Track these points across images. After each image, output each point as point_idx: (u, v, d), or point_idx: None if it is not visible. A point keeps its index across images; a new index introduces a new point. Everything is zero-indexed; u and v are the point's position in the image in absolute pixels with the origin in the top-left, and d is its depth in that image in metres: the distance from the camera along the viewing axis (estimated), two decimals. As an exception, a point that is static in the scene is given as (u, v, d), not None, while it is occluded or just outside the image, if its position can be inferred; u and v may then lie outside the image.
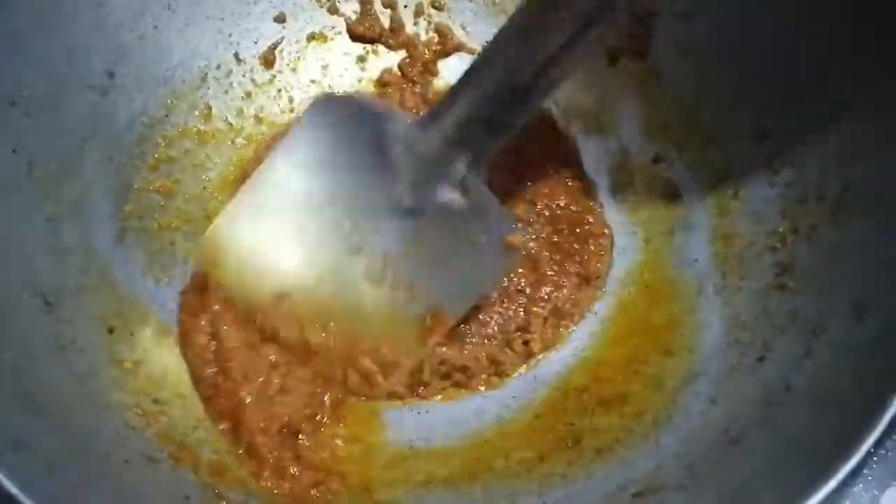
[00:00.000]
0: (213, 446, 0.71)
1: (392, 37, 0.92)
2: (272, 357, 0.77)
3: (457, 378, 0.79)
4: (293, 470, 0.71)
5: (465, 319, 0.79)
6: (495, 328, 0.80)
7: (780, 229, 0.73)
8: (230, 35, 0.87)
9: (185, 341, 0.77)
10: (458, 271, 0.77)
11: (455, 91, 0.74)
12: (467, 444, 0.76)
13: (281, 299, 0.77)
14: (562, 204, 0.84)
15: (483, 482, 0.72)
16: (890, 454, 0.73)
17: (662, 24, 0.84)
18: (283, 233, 0.78)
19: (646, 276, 0.81)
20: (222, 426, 0.73)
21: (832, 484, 0.55)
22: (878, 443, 0.58)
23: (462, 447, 0.76)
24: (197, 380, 0.76)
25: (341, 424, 0.76)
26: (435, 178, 0.76)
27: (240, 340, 0.77)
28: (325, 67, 0.91)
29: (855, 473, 0.59)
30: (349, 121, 0.77)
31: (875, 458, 0.73)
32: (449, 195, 0.76)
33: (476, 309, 0.80)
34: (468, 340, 0.79)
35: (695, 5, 0.80)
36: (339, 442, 0.75)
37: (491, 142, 0.75)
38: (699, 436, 0.68)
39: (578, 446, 0.73)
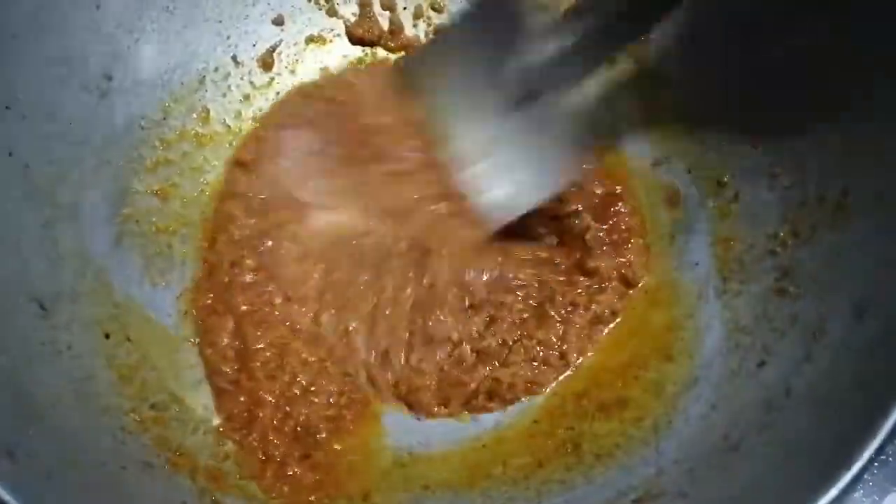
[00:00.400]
0: (211, 451, 0.71)
1: (391, 39, 0.91)
2: (304, 355, 0.77)
3: (505, 396, 0.78)
4: (294, 470, 0.71)
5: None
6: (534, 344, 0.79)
7: (781, 232, 0.73)
8: (228, 37, 0.86)
9: (206, 340, 0.77)
10: (518, 176, 0.77)
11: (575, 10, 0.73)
12: (466, 450, 0.75)
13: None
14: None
15: (482, 488, 0.72)
16: (891, 459, 0.72)
17: (662, 27, 0.83)
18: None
19: (646, 280, 0.81)
20: (232, 422, 0.73)
21: (833, 491, 0.55)
22: (879, 447, 0.57)
23: (461, 453, 0.75)
24: (213, 372, 0.76)
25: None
26: (542, 84, 0.75)
27: (267, 341, 0.77)
28: (323, 70, 0.91)
29: (856, 478, 0.58)
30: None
31: (876, 463, 0.73)
32: (562, 96, 0.75)
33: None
34: (511, 360, 0.78)
35: (694, 7, 0.80)
36: (337, 446, 0.75)
37: (599, 60, 0.75)
38: (699, 441, 0.68)
39: (578, 452, 0.73)
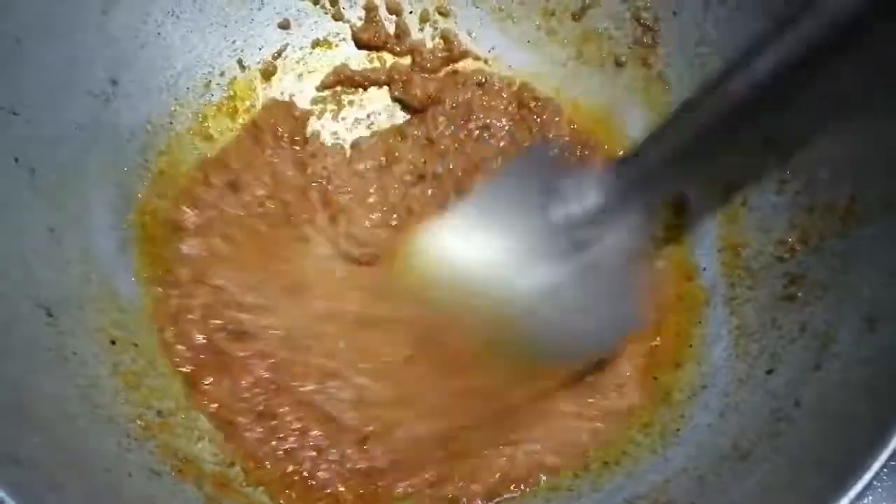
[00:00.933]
0: (217, 458, 0.71)
1: (397, 43, 0.91)
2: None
3: None
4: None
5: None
6: None
7: (790, 239, 0.73)
8: (234, 42, 0.86)
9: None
10: (602, 315, 0.73)
11: (652, 139, 0.68)
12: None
13: None
14: None
15: (490, 496, 0.72)
16: (901, 467, 0.72)
17: (669, 31, 0.83)
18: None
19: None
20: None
21: (845, 501, 0.55)
22: (889, 455, 0.57)
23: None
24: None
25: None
26: (609, 221, 0.71)
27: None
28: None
29: (865, 487, 0.58)
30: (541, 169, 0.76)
31: (885, 471, 0.72)
32: (618, 239, 0.72)
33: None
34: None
35: (703, 11, 0.80)
36: None
37: (669, 191, 0.74)
38: (708, 449, 0.68)
39: (584, 459, 0.73)
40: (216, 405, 0.73)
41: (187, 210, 0.80)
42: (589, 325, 0.73)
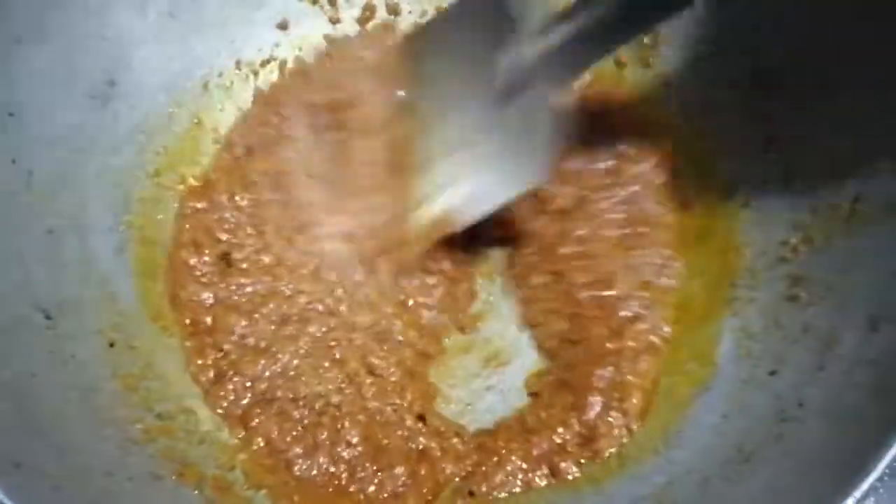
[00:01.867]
0: (218, 461, 0.70)
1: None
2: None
3: None
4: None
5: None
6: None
7: (792, 239, 0.72)
8: (232, 42, 0.86)
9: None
10: (486, 176, 0.76)
11: (572, 8, 0.70)
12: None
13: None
14: None
15: (493, 497, 0.72)
16: (903, 467, 0.72)
17: (669, 29, 0.83)
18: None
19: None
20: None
21: (849, 502, 0.55)
22: (892, 457, 0.57)
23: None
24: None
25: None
26: (530, 80, 0.72)
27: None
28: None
29: (869, 491, 0.58)
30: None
31: (887, 471, 0.72)
32: (535, 100, 0.73)
33: None
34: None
35: (704, 11, 0.79)
36: None
37: (589, 60, 0.73)
38: (711, 451, 0.67)
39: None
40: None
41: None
42: (500, 174, 0.75)
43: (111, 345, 0.72)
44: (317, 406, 0.74)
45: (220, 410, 0.74)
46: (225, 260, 0.80)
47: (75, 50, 0.75)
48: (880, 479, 0.70)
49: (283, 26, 0.88)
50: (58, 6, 0.73)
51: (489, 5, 0.75)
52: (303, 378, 0.75)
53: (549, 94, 0.73)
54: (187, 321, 0.77)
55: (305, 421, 0.74)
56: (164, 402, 0.72)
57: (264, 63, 0.88)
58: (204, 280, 0.79)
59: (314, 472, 0.72)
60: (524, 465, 0.72)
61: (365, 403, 0.75)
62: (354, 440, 0.73)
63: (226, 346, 0.76)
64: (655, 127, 0.83)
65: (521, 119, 0.73)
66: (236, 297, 0.78)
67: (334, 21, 0.89)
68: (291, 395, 0.75)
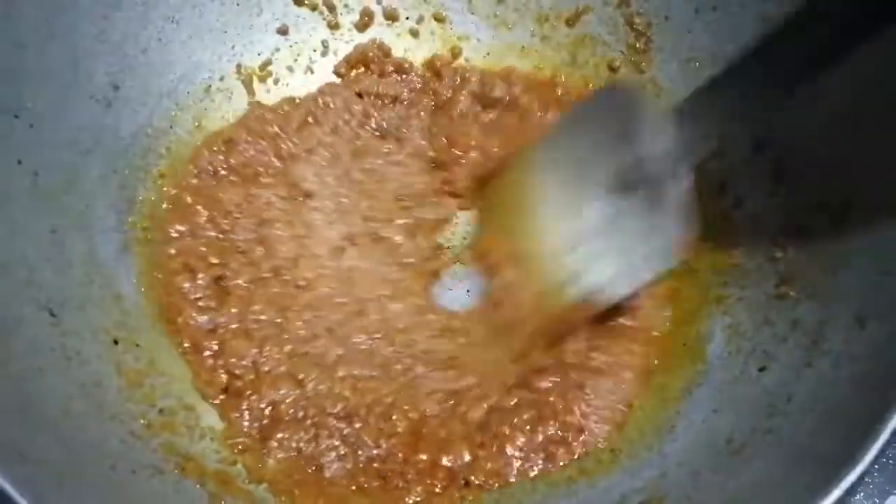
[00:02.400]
0: (220, 456, 0.72)
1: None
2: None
3: None
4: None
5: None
6: None
7: (782, 239, 0.74)
8: (233, 47, 0.87)
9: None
10: (627, 258, 0.75)
11: (705, 97, 0.71)
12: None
13: None
14: None
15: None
16: (891, 462, 0.74)
17: (662, 35, 0.84)
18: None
19: (647, 287, 0.81)
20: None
21: (836, 493, 0.56)
22: (880, 451, 0.58)
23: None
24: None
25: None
26: (659, 170, 0.73)
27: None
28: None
29: (857, 481, 0.59)
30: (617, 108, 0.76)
31: (876, 466, 0.74)
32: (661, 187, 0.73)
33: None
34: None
35: (694, 17, 0.81)
36: None
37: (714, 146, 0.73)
38: (703, 445, 0.69)
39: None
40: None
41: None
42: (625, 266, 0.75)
43: (115, 342, 0.73)
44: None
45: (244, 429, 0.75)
46: (219, 284, 0.80)
47: (79, 54, 0.76)
48: (869, 473, 0.72)
49: (283, 31, 0.89)
50: (63, 10, 0.74)
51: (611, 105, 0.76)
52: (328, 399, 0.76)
53: (674, 182, 0.73)
54: (186, 344, 0.77)
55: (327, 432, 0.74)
56: (167, 398, 0.73)
57: (264, 67, 0.89)
58: (201, 304, 0.79)
59: (337, 473, 0.73)
60: (521, 454, 0.73)
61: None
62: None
63: (237, 371, 0.76)
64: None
65: (649, 205, 0.73)
66: (237, 324, 0.78)
67: (333, 27, 0.91)
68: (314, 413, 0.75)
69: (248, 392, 0.75)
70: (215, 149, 0.85)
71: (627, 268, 0.75)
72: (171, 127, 0.84)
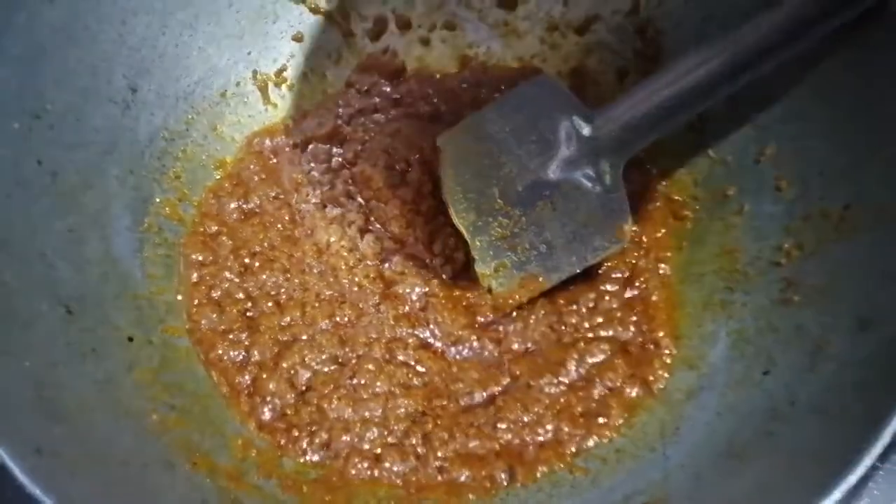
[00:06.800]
0: (230, 453, 0.73)
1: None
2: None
3: None
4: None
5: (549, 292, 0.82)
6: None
7: (785, 244, 0.75)
8: (249, 53, 0.89)
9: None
10: (564, 244, 0.80)
11: (628, 96, 0.77)
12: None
13: None
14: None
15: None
16: (896, 468, 0.74)
17: (672, 43, 0.85)
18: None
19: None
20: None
21: (837, 495, 0.56)
22: (884, 457, 0.58)
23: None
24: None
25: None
26: (584, 162, 0.79)
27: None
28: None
29: (860, 487, 0.59)
30: (546, 96, 0.81)
31: (881, 472, 0.74)
32: (589, 180, 0.79)
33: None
34: None
35: (704, 25, 0.82)
36: None
37: (641, 145, 0.78)
38: (705, 448, 0.69)
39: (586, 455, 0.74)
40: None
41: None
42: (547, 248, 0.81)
43: (130, 339, 0.74)
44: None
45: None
46: (247, 317, 0.81)
47: (99, 58, 0.77)
48: (874, 479, 0.72)
49: (298, 38, 0.91)
50: (83, 15, 0.75)
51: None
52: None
53: (613, 166, 0.79)
54: (225, 390, 0.78)
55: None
56: (180, 395, 0.74)
57: (280, 73, 0.91)
58: (231, 337, 0.80)
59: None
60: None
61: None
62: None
63: (278, 404, 0.77)
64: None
65: (589, 187, 0.79)
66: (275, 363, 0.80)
67: (347, 34, 0.92)
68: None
69: (268, 394, 0.77)
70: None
71: (570, 254, 0.80)
72: (186, 130, 0.85)
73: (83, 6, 0.76)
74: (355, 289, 0.83)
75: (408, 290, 0.83)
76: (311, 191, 0.88)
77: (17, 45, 0.71)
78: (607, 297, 0.82)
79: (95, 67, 0.78)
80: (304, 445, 0.75)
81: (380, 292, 0.83)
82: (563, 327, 0.81)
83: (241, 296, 0.82)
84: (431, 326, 0.81)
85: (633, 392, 0.77)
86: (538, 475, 0.73)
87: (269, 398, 0.77)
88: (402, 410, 0.77)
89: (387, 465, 0.74)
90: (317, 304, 0.82)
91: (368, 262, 0.85)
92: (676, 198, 0.84)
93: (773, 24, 0.69)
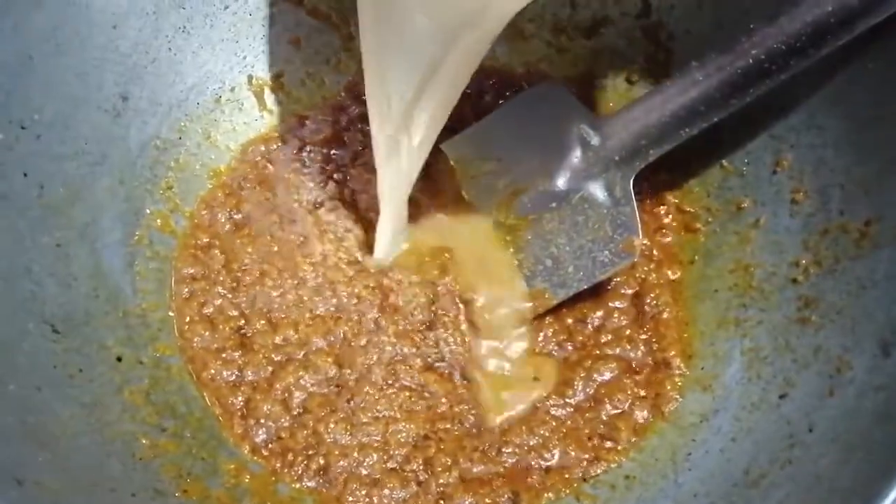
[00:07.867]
0: (223, 479, 0.70)
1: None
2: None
3: None
4: None
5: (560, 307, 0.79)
6: None
7: (803, 261, 0.72)
8: (244, 58, 0.86)
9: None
10: (572, 259, 0.78)
11: (639, 103, 0.75)
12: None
13: None
14: None
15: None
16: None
17: (683, 47, 0.83)
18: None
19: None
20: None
21: (857, 530, 0.54)
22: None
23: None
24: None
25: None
26: (592, 173, 0.77)
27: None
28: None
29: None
30: (552, 103, 0.80)
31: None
32: (598, 192, 0.77)
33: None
34: None
35: (716, 30, 0.79)
36: None
37: (653, 156, 0.76)
38: (719, 475, 0.67)
39: (595, 482, 0.72)
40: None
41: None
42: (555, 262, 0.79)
43: (119, 359, 0.72)
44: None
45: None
46: (240, 334, 0.78)
47: (88, 64, 0.75)
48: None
49: (295, 43, 0.88)
50: (72, 20, 0.73)
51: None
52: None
53: (623, 177, 0.77)
54: (218, 412, 0.75)
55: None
56: (171, 417, 0.72)
57: (276, 79, 0.88)
58: (224, 356, 0.77)
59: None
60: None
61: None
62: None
63: (272, 426, 0.75)
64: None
65: (598, 199, 0.77)
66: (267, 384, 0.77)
67: (346, 39, 0.89)
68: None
69: (262, 416, 0.74)
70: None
71: (580, 268, 0.78)
72: (180, 138, 0.83)
73: (72, 10, 0.73)
74: (354, 301, 0.80)
75: (409, 302, 0.80)
76: (308, 199, 0.85)
77: (3, 52, 0.69)
78: (616, 314, 0.79)
79: (85, 74, 0.75)
80: (300, 471, 0.72)
81: (378, 304, 0.80)
82: (570, 346, 0.78)
83: (234, 312, 0.79)
84: (441, 345, 0.78)
85: (643, 414, 0.74)
86: (543, 503, 0.71)
87: (263, 420, 0.74)
88: (403, 435, 0.74)
89: (386, 491, 0.71)
90: (311, 322, 0.79)
91: (367, 272, 0.81)
92: (688, 209, 0.82)
93: (798, 26, 0.65)
